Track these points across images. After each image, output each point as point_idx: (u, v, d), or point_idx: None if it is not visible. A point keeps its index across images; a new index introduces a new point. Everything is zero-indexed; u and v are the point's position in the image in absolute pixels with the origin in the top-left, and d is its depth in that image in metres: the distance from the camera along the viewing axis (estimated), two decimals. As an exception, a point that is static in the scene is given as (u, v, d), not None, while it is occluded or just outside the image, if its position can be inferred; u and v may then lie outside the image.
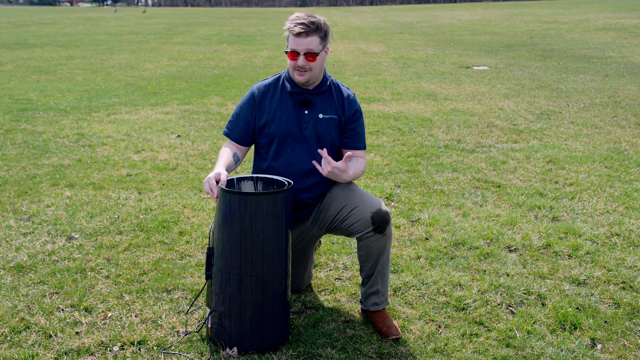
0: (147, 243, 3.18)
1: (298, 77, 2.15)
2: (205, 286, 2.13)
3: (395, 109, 7.66)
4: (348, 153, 2.11)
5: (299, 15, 2.11)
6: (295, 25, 2.08)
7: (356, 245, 2.31)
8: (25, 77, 9.86)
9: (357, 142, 2.30)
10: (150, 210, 3.71)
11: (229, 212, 1.96)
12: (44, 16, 33.41)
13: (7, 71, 10.69)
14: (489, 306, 2.52)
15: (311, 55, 2.10)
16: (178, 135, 6.17)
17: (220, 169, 2.06)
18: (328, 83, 2.26)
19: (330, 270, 2.87)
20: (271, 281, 1.97)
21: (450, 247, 3.15)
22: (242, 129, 2.24)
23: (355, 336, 2.30)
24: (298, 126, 2.21)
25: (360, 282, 2.57)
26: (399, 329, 2.28)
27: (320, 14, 2.39)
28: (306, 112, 2.21)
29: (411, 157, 5.13)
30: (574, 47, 14.39)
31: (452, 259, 3.00)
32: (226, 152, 2.19)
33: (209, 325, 2.07)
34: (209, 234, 2.12)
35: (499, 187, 4.27)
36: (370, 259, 2.24)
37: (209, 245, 2.08)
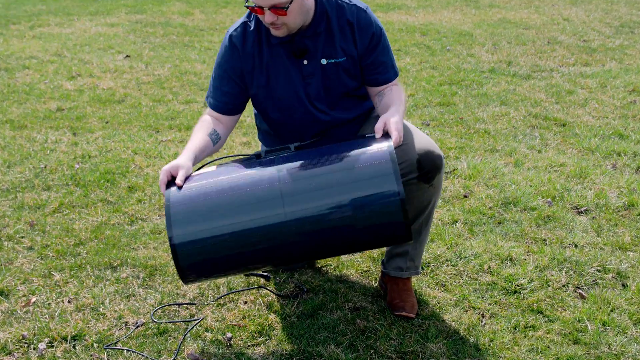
0: (85, 202, 3.18)
1: (274, 33, 2.16)
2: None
3: (423, 19, 7.52)
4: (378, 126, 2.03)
5: None
6: None
7: None
8: None
9: (384, 73, 2.27)
10: (89, 157, 3.73)
11: None
12: None
13: None
14: (550, 288, 2.52)
15: (279, 9, 2.06)
16: (127, 56, 6.10)
17: (182, 160, 2.04)
18: (325, 14, 2.20)
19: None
20: None
21: (498, 207, 3.15)
22: (229, 95, 2.27)
23: (368, 329, 2.29)
24: (299, 85, 2.23)
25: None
26: (416, 307, 2.34)
27: None
28: (305, 62, 2.22)
29: (444, 86, 5.18)
30: None
31: (499, 224, 3.01)
32: (201, 130, 2.21)
33: None
34: None
35: (563, 125, 4.31)
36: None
37: None
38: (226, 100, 2.26)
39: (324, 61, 2.22)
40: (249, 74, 2.23)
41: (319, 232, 1.89)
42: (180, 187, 1.95)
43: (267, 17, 2.08)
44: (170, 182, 1.98)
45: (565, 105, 4.69)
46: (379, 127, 2.00)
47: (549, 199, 3.21)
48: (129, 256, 2.69)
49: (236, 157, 2.16)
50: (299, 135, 2.28)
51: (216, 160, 2.19)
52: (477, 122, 4.34)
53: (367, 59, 2.24)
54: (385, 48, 2.26)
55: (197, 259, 1.91)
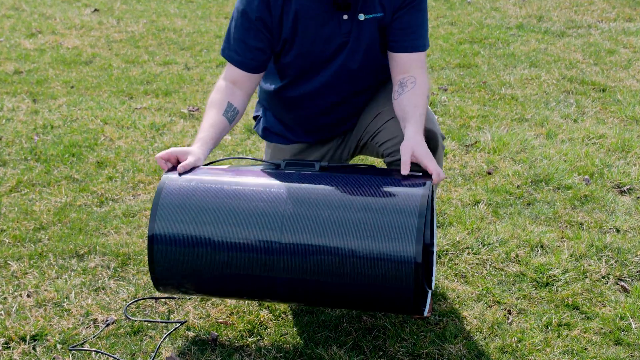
0: (47, 180, 3.17)
1: None
2: None
3: (440, -33, 7.43)
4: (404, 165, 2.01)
5: None
6: None
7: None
8: None
9: (414, 39, 2.24)
10: (52, 127, 3.72)
11: None
12: None
13: None
14: (587, 280, 2.52)
15: None
16: (95, 10, 6.06)
17: (195, 149, 2.06)
18: None
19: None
20: None
21: (527, 186, 3.15)
22: (255, 51, 2.22)
23: (375, 327, 2.29)
24: (333, 43, 2.21)
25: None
26: (431, 303, 2.32)
27: None
28: (345, 17, 2.20)
29: (465, 45, 5.16)
30: None
31: (529, 205, 3.01)
32: (216, 107, 2.20)
33: None
34: None
35: (603, 91, 4.32)
36: None
37: None
38: (252, 56, 2.21)
39: (361, 16, 2.19)
40: (277, 24, 2.19)
41: (313, 271, 1.87)
42: (180, 175, 1.98)
43: None
44: (173, 168, 2.01)
45: (605, 67, 4.68)
46: (405, 161, 1.98)
47: (586, 176, 3.20)
48: (97, 243, 2.68)
49: (251, 160, 2.19)
50: (310, 105, 2.29)
51: (232, 158, 2.24)
52: (503, 87, 4.34)
53: (398, 17, 2.21)
54: (422, 11, 2.23)
55: (172, 263, 1.93)
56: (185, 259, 1.92)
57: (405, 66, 2.22)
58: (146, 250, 2.61)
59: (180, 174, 1.97)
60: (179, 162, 2.03)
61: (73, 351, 2.14)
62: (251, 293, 2.00)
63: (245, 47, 2.21)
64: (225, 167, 2.06)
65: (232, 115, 2.20)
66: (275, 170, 2.01)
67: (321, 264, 1.85)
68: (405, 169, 1.97)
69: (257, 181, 1.96)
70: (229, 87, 2.22)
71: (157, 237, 1.91)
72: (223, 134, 2.17)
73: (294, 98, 2.33)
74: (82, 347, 2.15)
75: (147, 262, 1.90)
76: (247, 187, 1.94)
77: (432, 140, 2.20)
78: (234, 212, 1.89)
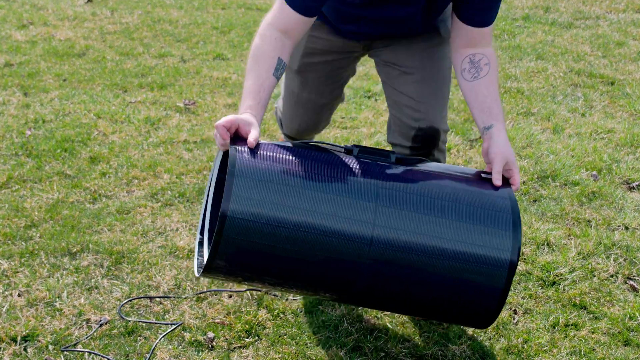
0: (38, 176, 3.16)
1: None
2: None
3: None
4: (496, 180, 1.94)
5: None
6: None
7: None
8: None
9: (487, 12, 2.11)
10: (43, 122, 3.71)
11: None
12: None
13: None
14: (595, 279, 2.52)
15: None
16: (88, 0, 6.02)
17: (249, 117, 1.85)
18: None
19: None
20: None
21: (533, 182, 3.15)
22: None
23: (377, 328, 2.29)
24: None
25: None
26: None
27: None
28: None
29: None
30: None
31: (535, 201, 3.01)
32: (264, 62, 1.98)
33: None
34: None
35: (612, 84, 4.32)
36: None
37: None
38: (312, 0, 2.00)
39: None
40: None
41: (401, 269, 1.81)
42: (251, 150, 1.77)
43: None
44: (234, 139, 1.79)
45: (614, 59, 4.68)
46: (499, 172, 1.92)
47: (594, 172, 3.20)
48: (90, 240, 2.68)
49: (320, 144, 1.99)
50: (366, 22, 2.16)
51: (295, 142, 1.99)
52: (509, 80, 4.34)
53: None
54: None
55: (242, 245, 1.76)
56: (264, 235, 1.76)
57: (475, 40, 2.11)
58: (142, 247, 2.61)
59: (250, 150, 1.77)
60: (236, 135, 1.82)
61: (65, 352, 2.13)
62: (325, 284, 1.87)
63: None
64: (289, 144, 1.89)
65: (280, 73, 2.00)
66: (349, 156, 1.88)
67: (412, 262, 1.80)
68: (498, 180, 1.90)
69: (339, 170, 1.83)
70: (279, 38, 1.99)
71: (234, 212, 1.71)
72: (270, 96, 1.98)
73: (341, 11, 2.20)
74: (75, 347, 2.15)
75: (214, 237, 1.72)
76: (329, 174, 1.81)
77: (428, 140, 2.23)
78: (321, 199, 1.76)
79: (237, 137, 1.80)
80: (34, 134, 3.54)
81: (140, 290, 2.41)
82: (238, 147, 1.76)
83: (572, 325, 2.28)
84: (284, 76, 2.47)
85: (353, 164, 1.85)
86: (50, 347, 2.16)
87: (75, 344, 2.16)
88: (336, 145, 1.92)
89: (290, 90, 2.49)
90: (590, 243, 2.68)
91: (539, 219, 2.85)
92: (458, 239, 1.79)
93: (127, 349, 2.15)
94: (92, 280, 2.47)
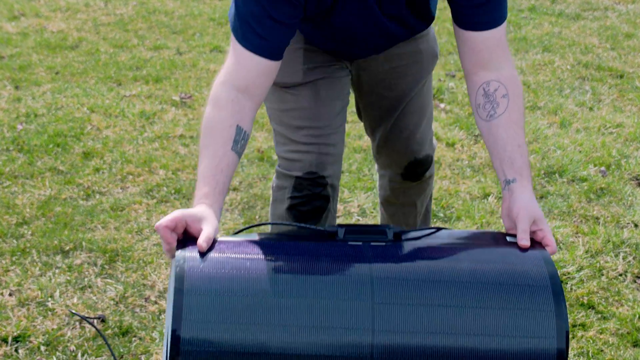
0: (30, 172, 3.16)
1: None
2: None
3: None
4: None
5: None
6: None
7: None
8: None
9: (490, 12, 1.77)
10: (35, 116, 3.70)
11: None
12: None
13: None
14: (604, 278, 2.51)
15: None
16: (81, -9, 6.01)
17: (203, 211, 1.49)
18: None
19: (338, 217, 2.79)
20: None
21: (539, 178, 3.15)
22: (281, 28, 1.69)
23: None
24: (378, 18, 1.82)
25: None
26: None
27: None
28: None
29: None
30: None
31: (541, 198, 3.01)
32: (221, 136, 1.62)
33: None
34: None
35: (620, 77, 4.30)
36: (392, 206, 2.29)
37: None
38: (280, 36, 1.67)
39: None
40: None
41: None
42: (202, 254, 1.41)
43: None
44: (183, 241, 1.44)
45: (622, 52, 4.66)
46: (525, 230, 1.56)
47: (602, 168, 3.19)
48: (84, 238, 2.67)
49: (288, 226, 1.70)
50: (351, 42, 1.91)
51: (261, 225, 1.76)
52: (514, 73, 4.31)
53: None
54: None
55: None
56: None
57: (484, 55, 1.75)
58: (137, 245, 2.61)
59: (202, 254, 1.41)
60: (185, 233, 1.45)
61: (57, 353, 2.12)
62: None
63: (272, 22, 1.65)
64: (254, 237, 1.54)
65: (242, 145, 1.64)
66: (334, 243, 1.51)
67: None
68: (525, 240, 1.53)
69: (319, 265, 1.46)
70: (236, 98, 1.64)
71: (187, 343, 1.33)
72: (231, 176, 1.62)
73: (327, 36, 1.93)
74: (68, 347, 2.14)
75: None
76: (307, 272, 1.44)
77: (421, 167, 2.17)
78: (300, 308, 1.40)
79: (189, 238, 1.44)
80: (25, 129, 3.53)
81: (135, 290, 2.41)
82: (187, 254, 1.40)
83: (579, 325, 2.27)
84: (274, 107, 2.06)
85: (339, 251, 1.49)
86: (42, 348, 2.15)
87: (67, 345, 2.16)
88: (315, 229, 1.59)
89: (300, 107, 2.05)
90: (598, 241, 2.67)
91: (545, 216, 2.82)
92: (484, 332, 1.40)
93: (122, 350, 2.15)
94: (86, 279, 2.46)
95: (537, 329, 1.39)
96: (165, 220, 1.41)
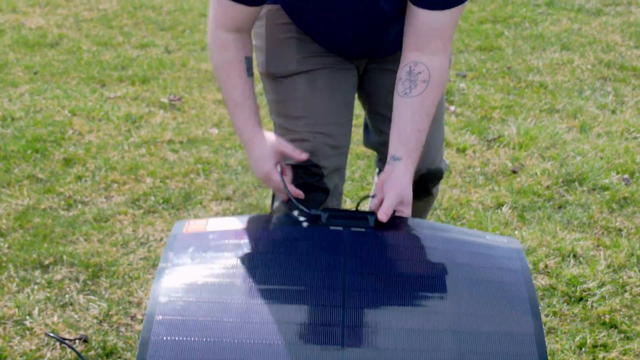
0: (6, 180, 3.18)
1: None
2: None
3: None
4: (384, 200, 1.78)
5: None
6: None
7: (374, 178, 2.28)
8: None
9: None
10: (12, 119, 3.73)
11: None
12: None
13: None
14: (627, 295, 2.51)
15: None
16: (62, -16, 6.04)
17: (265, 142, 1.88)
18: None
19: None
20: None
21: (557, 186, 3.15)
22: None
23: None
24: None
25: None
26: None
27: None
28: None
29: (486, 24, 5.18)
30: None
31: (560, 208, 3.01)
32: (235, 67, 1.95)
33: None
34: None
35: None
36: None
37: None
38: None
39: None
40: None
41: None
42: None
43: None
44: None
45: (647, 50, 4.67)
46: (391, 205, 1.75)
47: (625, 176, 3.20)
48: (64, 252, 2.68)
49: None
50: (338, 22, 2.00)
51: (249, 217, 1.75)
52: (530, 73, 4.35)
53: None
54: None
55: None
56: None
57: (422, 38, 1.89)
58: (121, 259, 2.61)
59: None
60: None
61: (36, 376, 2.13)
62: None
63: None
64: (241, 227, 1.64)
65: (252, 71, 1.98)
66: (316, 227, 1.64)
67: None
68: (385, 215, 1.72)
69: (292, 257, 1.56)
70: (234, 37, 1.94)
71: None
72: (256, 97, 1.96)
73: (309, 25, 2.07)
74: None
75: None
76: (283, 263, 1.53)
77: (431, 182, 2.21)
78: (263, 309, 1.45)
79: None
80: (1, 133, 3.54)
81: (120, 307, 2.41)
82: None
83: (601, 346, 2.27)
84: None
85: (318, 235, 1.61)
86: (20, 370, 2.16)
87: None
88: (302, 210, 1.71)
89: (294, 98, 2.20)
90: (621, 255, 2.67)
91: (564, 227, 2.85)
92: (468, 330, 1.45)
93: (106, 373, 2.16)
94: (67, 295, 2.46)
95: (510, 320, 1.43)
96: (274, 184, 1.86)
